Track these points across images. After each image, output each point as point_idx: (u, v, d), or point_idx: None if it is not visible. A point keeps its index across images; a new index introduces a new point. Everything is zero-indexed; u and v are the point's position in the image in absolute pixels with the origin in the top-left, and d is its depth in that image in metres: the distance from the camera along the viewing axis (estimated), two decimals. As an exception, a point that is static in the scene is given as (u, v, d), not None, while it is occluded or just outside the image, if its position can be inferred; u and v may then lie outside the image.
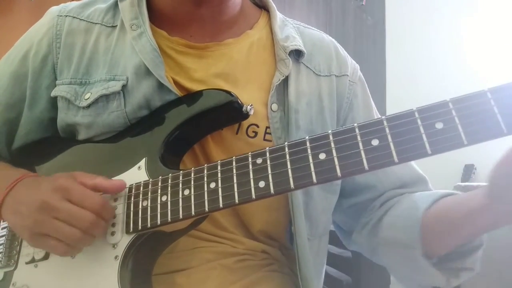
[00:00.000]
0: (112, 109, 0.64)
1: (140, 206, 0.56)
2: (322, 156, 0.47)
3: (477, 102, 0.42)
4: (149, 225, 0.55)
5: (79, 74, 0.68)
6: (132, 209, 0.57)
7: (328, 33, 0.79)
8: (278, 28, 0.72)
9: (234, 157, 0.53)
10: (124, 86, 0.64)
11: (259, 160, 0.51)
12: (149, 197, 0.56)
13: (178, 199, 0.54)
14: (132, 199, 0.58)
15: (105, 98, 0.64)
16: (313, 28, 0.79)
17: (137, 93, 0.64)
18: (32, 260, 0.62)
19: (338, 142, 0.47)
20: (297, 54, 0.70)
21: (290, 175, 0.48)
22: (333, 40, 0.79)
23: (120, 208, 0.58)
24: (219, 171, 0.53)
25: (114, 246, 0.57)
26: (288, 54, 0.68)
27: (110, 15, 0.71)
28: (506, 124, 0.40)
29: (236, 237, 0.67)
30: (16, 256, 0.64)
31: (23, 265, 0.63)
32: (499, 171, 0.45)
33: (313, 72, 0.71)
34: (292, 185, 0.48)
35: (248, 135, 0.65)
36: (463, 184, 2.65)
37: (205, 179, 0.53)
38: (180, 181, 0.55)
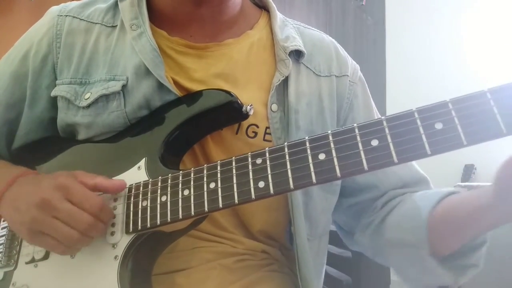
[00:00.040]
0: (112, 109, 0.64)
1: (140, 206, 0.56)
2: (321, 156, 0.47)
3: (477, 103, 0.42)
4: (148, 225, 0.55)
5: (79, 74, 0.68)
6: (131, 209, 0.57)
7: (328, 33, 0.79)
8: (278, 28, 0.72)
9: (233, 157, 0.53)
10: (124, 86, 0.64)
11: (258, 160, 0.51)
12: (149, 197, 0.56)
13: (178, 199, 0.54)
14: (132, 199, 0.58)
15: (105, 98, 0.64)
16: (313, 28, 0.79)
17: (137, 93, 0.64)
18: (32, 260, 0.62)
19: (338, 142, 0.47)
20: (297, 55, 0.70)
21: (290, 175, 0.48)
22: (333, 40, 0.79)
23: (119, 208, 0.58)
24: (218, 171, 0.53)
25: (113, 246, 0.57)
26: (288, 55, 0.68)
27: (110, 15, 0.71)
28: (505, 124, 0.40)
29: (236, 237, 0.67)
30: (16, 256, 0.64)
31: (23, 265, 0.63)
32: (504, 172, 0.45)
33: (313, 72, 0.71)
34: (291, 186, 0.48)
35: (248, 135, 0.65)
36: (463, 184, 2.65)
37: (205, 179, 0.53)
38: (180, 181, 0.55)
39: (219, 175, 0.53)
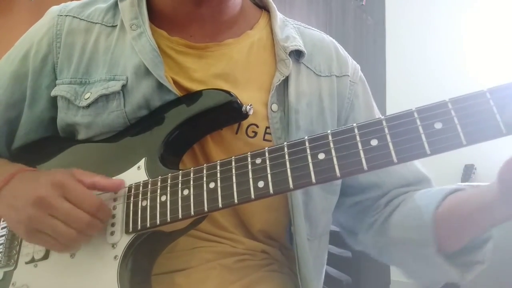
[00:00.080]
0: (112, 109, 0.64)
1: (140, 206, 0.56)
2: (321, 156, 0.47)
3: (476, 102, 0.42)
4: (148, 225, 0.55)
5: (79, 73, 0.68)
6: (131, 209, 0.57)
7: (328, 33, 0.79)
8: (278, 28, 0.72)
9: (233, 157, 0.53)
10: (123, 86, 0.64)
11: (258, 160, 0.51)
12: (149, 197, 0.56)
13: (178, 199, 0.54)
14: (132, 199, 0.58)
15: (105, 98, 0.64)
16: (313, 28, 0.79)
17: (136, 93, 0.64)
18: (32, 260, 0.62)
19: (337, 142, 0.47)
20: (297, 55, 0.70)
21: (289, 175, 0.48)
22: (334, 40, 0.79)
23: (119, 208, 0.58)
24: (218, 171, 0.53)
25: (113, 246, 0.57)
26: (288, 55, 0.68)
27: (110, 15, 0.71)
28: (505, 124, 0.40)
29: (235, 237, 0.67)
30: (16, 256, 0.64)
31: (22, 264, 0.63)
32: (507, 173, 0.45)
33: (314, 72, 0.71)
34: (291, 185, 0.48)
35: (247, 135, 0.65)
36: (463, 184, 2.65)
37: (205, 179, 0.53)
38: (180, 181, 0.55)
39: (218, 174, 0.53)
